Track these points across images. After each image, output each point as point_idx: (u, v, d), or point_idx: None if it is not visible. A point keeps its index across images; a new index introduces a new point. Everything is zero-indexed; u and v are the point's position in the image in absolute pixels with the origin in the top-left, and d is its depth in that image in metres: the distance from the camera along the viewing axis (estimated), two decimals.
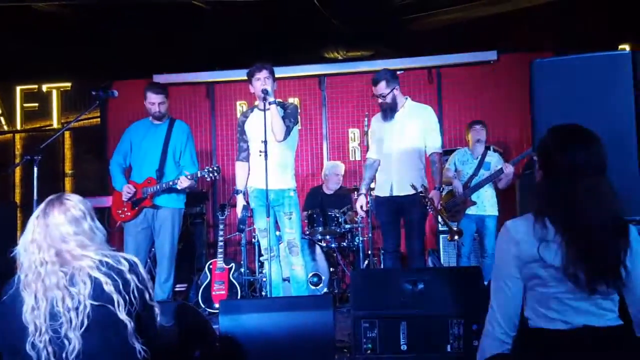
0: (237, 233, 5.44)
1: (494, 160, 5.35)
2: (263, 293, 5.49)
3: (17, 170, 7.67)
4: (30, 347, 1.79)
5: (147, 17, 6.23)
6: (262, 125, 4.10)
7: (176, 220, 4.58)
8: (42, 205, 1.97)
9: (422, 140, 4.39)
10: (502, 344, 1.95)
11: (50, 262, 1.86)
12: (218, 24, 6.45)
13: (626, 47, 6.32)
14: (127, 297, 1.85)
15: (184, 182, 4.38)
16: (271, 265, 4.32)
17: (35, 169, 4.00)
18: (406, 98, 4.48)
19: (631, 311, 1.93)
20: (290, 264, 4.33)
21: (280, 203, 4.30)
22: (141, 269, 1.95)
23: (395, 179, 4.33)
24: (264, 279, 5.17)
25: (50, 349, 1.79)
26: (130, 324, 1.83)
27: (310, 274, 5.37)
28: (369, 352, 3.06)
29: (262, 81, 4.21)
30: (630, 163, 2.90)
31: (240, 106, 7.19)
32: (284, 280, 4.56)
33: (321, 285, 5.44)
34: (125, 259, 1.93)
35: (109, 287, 1.83)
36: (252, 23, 6.42)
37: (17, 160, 7.63)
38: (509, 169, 5.00)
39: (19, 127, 7.72)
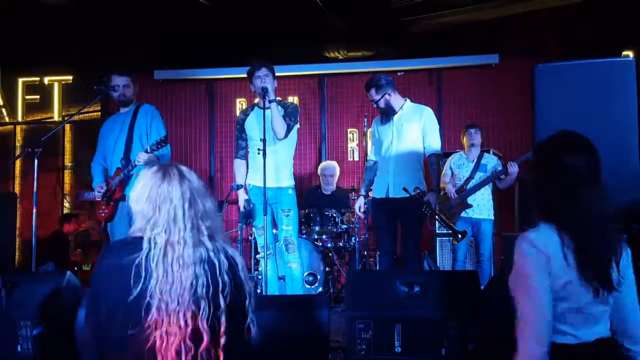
0: (240, 225, 5.40)
1: (491, 162, 5.32)
2: (258, 291, 5.48)
3: (18, 162, 7.68)
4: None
5: (149, 12, 6.23)
6: (262, 123, 4.10)
7: None
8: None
9: (420, 141, 4.35)
10: None
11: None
12: (219, 21, 6.45)
13: (629, 54, 6.32)
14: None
15: (141, 158, 4.02)
16: (267, 263, 4.31)
17: (36, 161, 4.00)
18: (405, 99, 4.45)
19: (617, 320, 1.95)
20: (286, 262, 4.33)
21: (279, 200, 4.32)
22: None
23: (392, 180, 4.31)
24: (260, 277, 5.16)
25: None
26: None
27: (306, 273, 5.36)
28: (362, 353, 3.04)
29: (261, 79, 4.20)
30: (631, 169, 2.90)
31: (240, 104, 7.19)
32: (279, 278, 4.55)
33: (316, 284, 5.43)
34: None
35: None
36: (254, 21, 6.41)
37: (18, 152, 7.64)
38: (514, 168, 4.93)
39: (20, 118, 7.73)
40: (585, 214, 1.85)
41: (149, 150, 4.02)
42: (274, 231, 4.57)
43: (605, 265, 1.85)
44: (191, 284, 1.77)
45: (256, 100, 4.42)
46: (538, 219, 1.95)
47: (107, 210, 4.27)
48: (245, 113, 4.45)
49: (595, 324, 1.90)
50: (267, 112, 4.14)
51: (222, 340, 1.79)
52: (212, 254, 1.83)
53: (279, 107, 4.26)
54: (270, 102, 4.11)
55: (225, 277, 1.82)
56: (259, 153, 4.07)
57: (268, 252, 4.31)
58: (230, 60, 7.06)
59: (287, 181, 4.36)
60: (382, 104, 4.33)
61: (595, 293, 1.85)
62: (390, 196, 4.29)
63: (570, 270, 1.86)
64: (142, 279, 1.75)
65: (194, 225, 1.83)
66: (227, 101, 7.28)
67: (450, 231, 4.33)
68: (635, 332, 1.95)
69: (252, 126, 4.33)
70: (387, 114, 4.35)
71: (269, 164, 4.11)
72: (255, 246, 5.77)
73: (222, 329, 1.79)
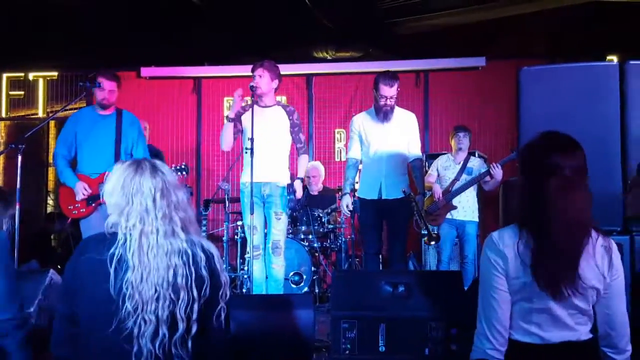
0: (226, 224, 5.34)
1: (476, 165, 5.36)
2: (244, 290, 5.47)
3: (0, 158, 7.58)
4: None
5: (137, 9, 6.19)
6: (261, 121, 4.20)
7: None
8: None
9: (406, 146, 4.41)
10: None
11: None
12: (208, 20, 6.43)
13: (614, 58, 6.38)
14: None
15: None
16: (254, 263, 4.30)
17: (20, 158, 3.96)
18: None
19: (599, 324, 1.93)
20: (270, 262, 4.32)
21: (273, 201, 4.30)
22: None
23: (384, 181, 4.32)
24: (246, 276, 5.16)
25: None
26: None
27: (292, 273, 5.36)
28: (347, 352, 3.05)
29: (256, 78, 4.25)
30: (613, 172, 2.94)
31: (228, 102, 7.17)
32: (266, 278, 4.54)
33: (302, 284, 5.43)
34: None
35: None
36: (242, 19, 6.39)
37: (1, 148, 7.55)
38: (497, 170, 4.91)
39: (3, 114, 7.64)
40: (558, 216, 1.83)
41: None
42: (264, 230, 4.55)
43: (563, 269, 1.82)
44: (168, 272, 1.81)
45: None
46: (514, 220, 1.96)
47: (83, 210, 4.27)
48: (244, 109, 4.39)
49: (565, 328, 1.88)
50: (266, 110, 4.27)
51: (194, 329, 1.83)
52: (187, 245, 1.87)
53: (281, 109, 4.36)
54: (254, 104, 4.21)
55: (203, 270, 1.86)
56: (246, 152, 4.09)
57: (258, 253, 4.29)
58: (218, 58, 7.03)
59: (285, 180, 4.37)
60: (394, 100, 4.30)
61: (553, 296, 1.84)
62: (383, 197, 4.30)
63: (527, 271, 1.86)
64: (123, 272, 1.79)
65: (166, 216, 1.86)
66: (214, 100, 7.25)
67: (426, 232, 4.38)
68: (620, 342, 1.93)
69: (248, 124, 4.30)
70: (391, 112, 4.33)
71: (267, 158, 4.20)
72: (242, 245, 5.78)
73: (194, 317, 1.82)
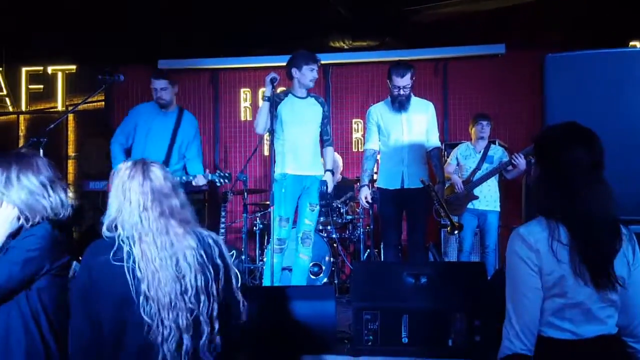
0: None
1: (497, 153, 5.30)
2: (263, 281, 5.48)
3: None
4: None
5: (153, 1, 6.20)
6: (299, 112, 4.23)
7: None
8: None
9: (425, 135, 4.41)
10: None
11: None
12: (223, 11, 6.41)
13: (636, 44, 6.28)
14: None
15: (200, 181, 4.45)
16: (275, 257, 4.30)
17: (41, 151, 4.00)
18: None
19: (622, 317, 1.90)
20: (298, 252, 4.33)
21: (310, 192, 4.31)
22: None
23: (406, 171, 4.31)
24: (264, 267, 5.16)
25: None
26: None
27: (311, 264, 5.35)
28: (369, 344, 3.05)
29: (315, 72, 4.27)
30: (638, 161, 2.88)
31: (244, 94, 7.16)
32: (283, 269, 4.54)
33: (321, 275, 5.43)
34: None
35: None
36: (258, 10, 6.37)
37: (21, 142, 7.63)
38: (521, 160, 4.81)
39: (23, 108, 7.70)
40: (585, 208, 1.81)
41: (209, 178, 4.45)
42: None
43: (602, 262, 1.80)
44: (182, 281, 1.79)
45: (292, 88, 4.37)
46: (537, 213, 1.91)
47: None
48: (280, 97, 4.29)
49: (597, 321, 1.85)
50: (302, 102, 4.30)
51: (217, 326, 1.83)
52: (194, 243, 1.86)
53: (319, 102, 4.38)
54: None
55: (217, 260, 1.88)
56: (277, 141, 4.17)
57: (283, 247, 4.28)
58: (235, 50, 7.02)
59: (320, 170, 4.37)
60: (409, 90, 4.28)
61: (595, 289, 1.81)
62: (405, 187, 4.29)
63: (562, 266, 1.82)
64: (136, 278, 1.78)
65: (162, 223, 1.85)
66: (231, 91, 7.25)
67: (448, 222, 4.34)
68: None
69: (288, 113, 4.26)
70: (407, 101, 4.32)
71: (306, 151, 4.25)
72: (261, 236, 5.78)
73: (215, 314, 1.82)
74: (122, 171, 1.91)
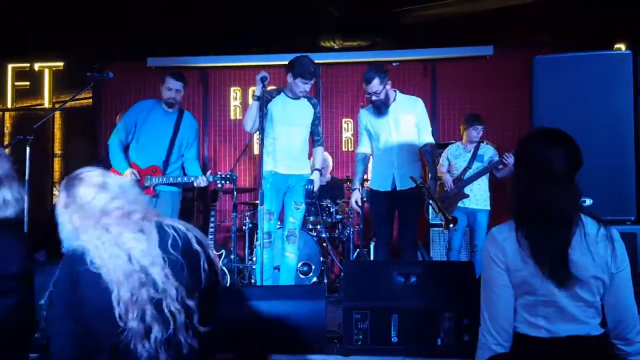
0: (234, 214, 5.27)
1: (488, 153, 5.34)
2: (252, 281, 5.48)
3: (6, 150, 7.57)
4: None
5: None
6: (290, 112, 4.25)
7: (176, 203, 4.63)
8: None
9: (415, 132, 4.39)
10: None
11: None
12: (214, 9, 6.39)
13: (621, 47, 6.34)
14: None
15: (202, 182, 4.45)
16: (263, 252, 4.30)
17: (28, 149, 3.97)
18: (395, 91, 4.44)
19: (609, 319, 1.92)
20: (284, 250, 4.33)
21: (295, 190, 4.33)
22: None
23: (397, 172, 4.31)
24: (254, 267, 5.16)
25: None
26: None
27: (300, 263, 5.36)
28: (359, 343, 3.05)
29: (308, 87, 4.27)
30: (627, 161, 2.92)
31: (235, 92, 7.15)
32: (274, 268, 4.54)
33: (311, 274, 5.44)
34: None
35: None
36: (248, 9, 6.36)
37: (7, 139, 7.55)
38: (511, 159, 4.86)
39: (9, 105, 7.62)
40: (544, 209, 1.85)
41: (210, 180, 4.48)
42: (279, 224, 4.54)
43: (557, 254, 1.83)
44: (139, 269, 1.78)
45: (285, 87, 4.38)
46: (506, 212, 1.98)
47: None
48: (271, 95, 4.31)
49: (576, 321, 1.87)
50: (294, 102, 4.30)
51: (195, 317, 1.81)
52: (160, 233, 1.85)
53: (311, 104, 4.37)
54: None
55: (196, 246, 1.87)
56: (266, 140, 4.16)
57: (268, 240, 4.27)
58: (225, 49, 7.00)
59: (307, 171, 4.39)
60: (382, 95, 4.27)
61: (558, 284, 1.83)
62: (397, 189, 4.29)
63: (527, 265, 1.86)
64: (110, 282, 1.76)
65: (107, 215, 1.84)
66: (222, 90, 7.23)
67: (442, 218, 4.35)
68: (629, 333, 1.91)
69: (278, 112, 4.27)
70: (385, 105, 4.32)
71: (293, 150, 4.25)
72: (250, 235, 5.78)
73: (187, 297, 1.80)
74: (62, 189, 1.92)
